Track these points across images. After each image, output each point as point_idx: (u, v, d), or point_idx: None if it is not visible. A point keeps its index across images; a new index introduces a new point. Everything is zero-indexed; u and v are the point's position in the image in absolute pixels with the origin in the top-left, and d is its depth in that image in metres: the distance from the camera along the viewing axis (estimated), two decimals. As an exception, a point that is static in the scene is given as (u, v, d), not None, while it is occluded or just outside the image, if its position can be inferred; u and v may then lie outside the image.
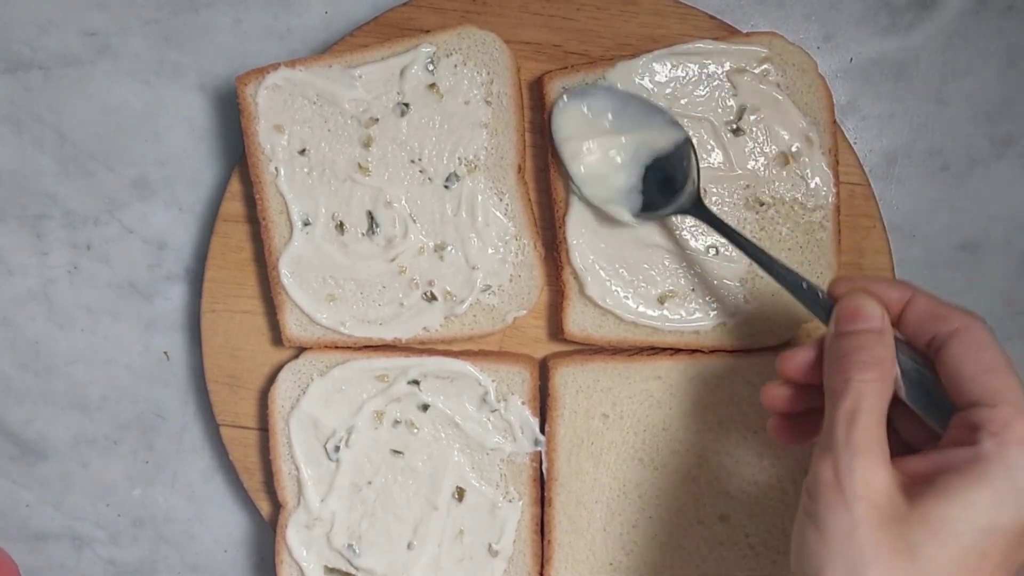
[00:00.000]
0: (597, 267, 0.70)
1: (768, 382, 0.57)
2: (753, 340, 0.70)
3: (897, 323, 0.52)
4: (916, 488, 0.46)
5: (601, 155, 0.68)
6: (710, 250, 0.70)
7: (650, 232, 0.70)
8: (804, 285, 0.57)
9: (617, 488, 0.71)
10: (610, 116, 0.68)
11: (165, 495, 0.80)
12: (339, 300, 0.71)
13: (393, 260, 0.71)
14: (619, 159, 0.67)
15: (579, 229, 0.69)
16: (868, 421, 0.47)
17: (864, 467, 0.46)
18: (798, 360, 0.54)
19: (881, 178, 0.77)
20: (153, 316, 0.79)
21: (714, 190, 0.69)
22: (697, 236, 0.70)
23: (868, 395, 0.48)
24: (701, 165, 0.67)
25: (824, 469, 0.47)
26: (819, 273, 0.70)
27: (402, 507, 0.72)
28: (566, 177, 0.69)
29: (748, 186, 0.69)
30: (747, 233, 0.69)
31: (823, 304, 0.55)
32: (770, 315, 0.70)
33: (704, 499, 0.71)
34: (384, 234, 0.71)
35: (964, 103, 0.77)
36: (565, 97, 0.68)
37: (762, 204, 0.69)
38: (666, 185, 0.67)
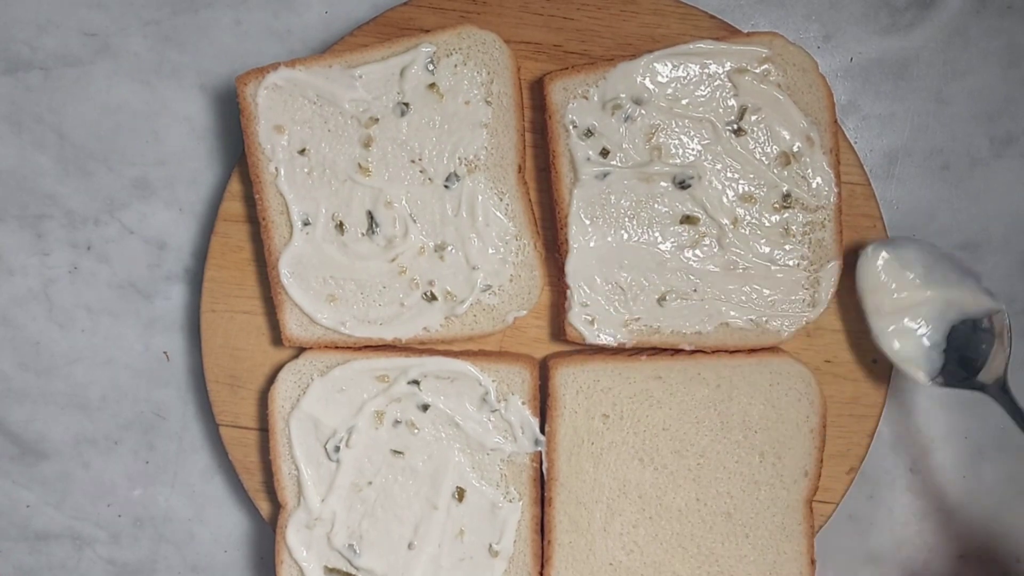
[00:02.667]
0: (595, 276, 0.70)
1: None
2: (752, 340, 0.71)
3: None
4: None
5: (906, 310, 0.66)
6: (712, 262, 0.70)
7: (653, 233, 0.70)
8: None
9: (617, 488, 0.71)
10: (920, 269, 0.66)
11: (165, 495, 0.80)
12: (339, 300, 0.71)
13: (393, 260, 0.71)
14: (924, 317, 0.66)
15: (580, 232, 0.70)
16: None
17: None
18: None
19: (881, 178, 0.77)
20: (153, 316, 0.79)
21: (717, 186, 0.69)
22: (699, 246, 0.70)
23: None
24: (718, 167, 0.67)
25: None
26: (822, 273, 0.70)
27: (402, 507, 0.72)
28: (868, 332, 0.67)
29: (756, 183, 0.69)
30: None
31: None
32: (769, 315, 0.70)
33: (704, 499, 0.71)
34: (384, 234, 0.71)
35: (964, 103, 0.77)
36: (875, 246, 0.66)
37: (782, 204, 0.69)
38: (970, 352, 0.65)
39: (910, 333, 0.67)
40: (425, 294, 0.71)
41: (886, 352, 0.68)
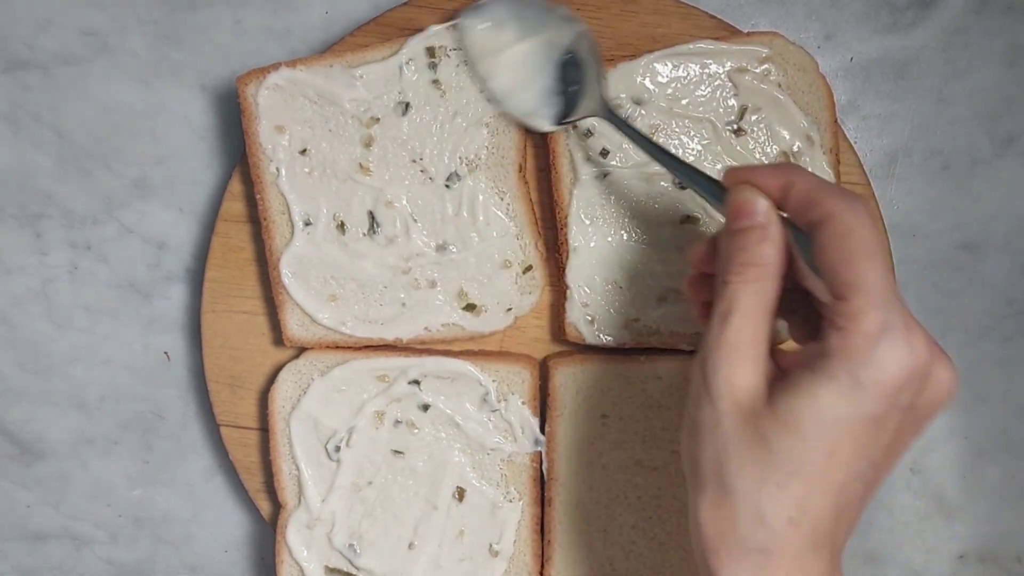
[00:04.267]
0: (595, 276, 0.70)
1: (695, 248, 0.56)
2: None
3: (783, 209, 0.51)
4: (778, 383, 0.47)
5: (515, 66, 0.66)
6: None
7: (653, 233, 0.70)
8: (707, 182, 0.55)
9: (617, 488, 0.71)
10: (515, 23, 0.66)
11: (165, 495, 0.80)
12: (340, 300, 0.71)
13: (394, 260, 0.71)
14: (531, 64, 0.66)
15: (580, 235, 0.70)
16: (740, 323, 0.48)
17: (729, 367, 0.47)
18: (700, 252, 0.55)
19: (881, 178, 0.77)
20: (153, 316, 0.79)
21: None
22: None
23: (743, 296, 0.48)
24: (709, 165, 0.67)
25: (696, 369, 0.49)
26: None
27: (402, 507, 0.72)
28: (489, 98, 0.67)
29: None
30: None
31: (724, 200, 0.53)
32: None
33: (705, 499, 0.71)
34: (385, 234, 0.70)
35: (965, 102, 0.77)
36: (465, 18, 0.67)
37: None
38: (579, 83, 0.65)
39: (526, 86, 0.67)
40: (426, 294, 0.71)
41: (511, 112, 0.67)
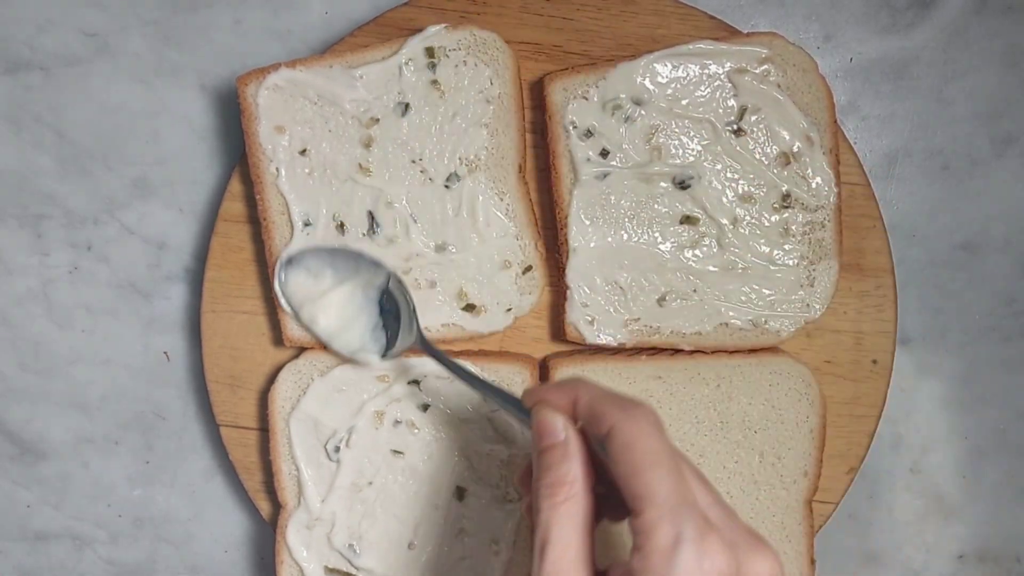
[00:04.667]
0: (595, 276, 0.70)
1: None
2: (751, 340, 0.71)
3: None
4: None
5: (336, 308, 0.69)
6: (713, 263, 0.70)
7: (653, 233, 0.70)
8: (517, 408, 0.55)
9: (617, 488, 0.71)
10: (329, 271, 0.70)
11: (165, 495, 0.80)
12: (339, 300, 0.71)
13: (394, 260, 0.71)
14: (351, 305, 0.70)
15: (581, 233, 0.70)
16: (557, 554, 0.47)
17: None
18: (522, 475, 0.56)
19: (881, 178, 0.77)
20: (153, 316, 0.79)
21: (717, 186, 0.69)
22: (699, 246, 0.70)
23: (555, 525, 0.48)
24: (716, 167, 0.67)
25: None
26: (821, 273, 0.70)
27: (402, 507, 0.72)
28: (316, 338, 0.71)
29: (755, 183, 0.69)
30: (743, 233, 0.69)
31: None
32: (768, 315, 0.70)
33: (704, 499, 0.71)
34: (385, 234, 0.71)
35: (964, 103, 0.77)
36: (282, 272, 0.70)
37: (782, 204, 0.69)
38: (398, 318, 0.69)
39: (350, 325, 0.70)
40: (425, 294, 0.71)
41: (337, 352, 0.70)
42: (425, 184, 0.70)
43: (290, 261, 0.70)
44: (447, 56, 0.69)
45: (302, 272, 0.70)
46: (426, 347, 0.66)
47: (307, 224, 0.71)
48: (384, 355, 0.69)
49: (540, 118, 0.71)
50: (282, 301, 0.70)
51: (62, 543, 0.81)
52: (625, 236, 0.70)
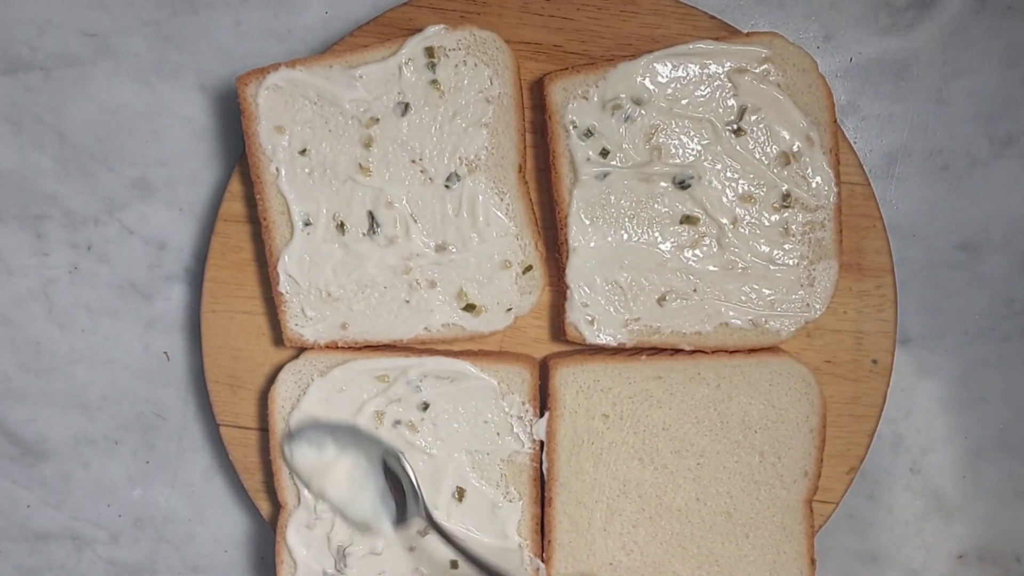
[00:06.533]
0: (595, 277, 0.70)
1: None
2: (751, 340, 0.71)
3: None
4: None
5: (343, 477, 0.70)
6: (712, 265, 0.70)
7: (653, 233, 0.70)
8: None
9: (617, 488, 0.71)
10: (330, 439, 0.70)
11: (165, 495, 0.80)
12: (340, 300, 0.71)
13: (394, 260, 0.71)
14: (358, 473, 0.70)
15: (581, 233, 0.70)
16: None
17: None
18: None
19: (881, 178, 0.77)
20: (153, 316, 0.79)
21: (717, 186, 0.69)
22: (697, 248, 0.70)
23: None
24: (716, 167, 0.67)
25: None
26: (821, 273, 0.70)
27: (402, 507, 0.72)
28: (333, 508, 0.71)
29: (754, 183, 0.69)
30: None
31: None
32: (768, 315, 0.70)
33: (704, 499, 0.71)
34: (385, 234, 0.71)
35: (964, 103, 0.77)
36: (287, 447, 0.70)
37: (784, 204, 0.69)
38: (405, 485, 0.69)
39: (360, 493, 0.70)
40: (426, 294, 0.71)
41: (354, 520, 0.70)
42: (425, 184, 0.70)
43: (291, 435, 0.70)
44: (447, 56, 0.69)
45: (304, 444, 0.70)
46: (433, 526, 0.67)
47: (307, 224, 0.71)
48: (396, 524, 0.70)
49: (540, 118, 0.71)
50: (292, 476, 0.71)
51: (62, 543, 0.81)
52: (625, 236, 0.70)
